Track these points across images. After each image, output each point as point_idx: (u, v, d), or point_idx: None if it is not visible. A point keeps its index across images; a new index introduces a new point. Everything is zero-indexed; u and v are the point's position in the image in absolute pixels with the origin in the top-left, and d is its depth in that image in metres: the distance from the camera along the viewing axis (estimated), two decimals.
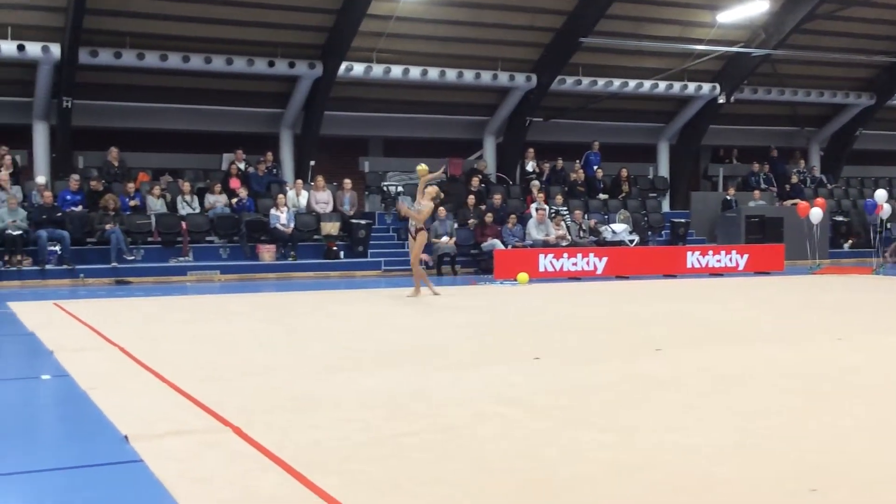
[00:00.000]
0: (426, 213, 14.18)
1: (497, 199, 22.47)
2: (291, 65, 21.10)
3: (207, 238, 19.96)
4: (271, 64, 20.94)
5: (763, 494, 3.81)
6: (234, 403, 5.64)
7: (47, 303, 13.31)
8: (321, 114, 22.36)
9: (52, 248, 17.79)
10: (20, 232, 17.60)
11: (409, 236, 14.69)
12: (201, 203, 20.41)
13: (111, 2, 19.12)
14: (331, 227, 20.67)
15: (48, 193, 18.59)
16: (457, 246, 20.79)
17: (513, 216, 21.48)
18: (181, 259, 19.23)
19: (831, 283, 16.91)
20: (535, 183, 23.61)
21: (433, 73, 22.44)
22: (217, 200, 20.42)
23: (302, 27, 21.15)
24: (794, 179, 27.25)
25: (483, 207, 22.08)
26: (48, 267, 17.71)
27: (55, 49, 18.90)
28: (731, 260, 20.54)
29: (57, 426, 5.66)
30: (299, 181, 21.65)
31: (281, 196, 20.31)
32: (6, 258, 17.45)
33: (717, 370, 6.92)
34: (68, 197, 18.99)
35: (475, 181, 23.26)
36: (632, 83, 24.40)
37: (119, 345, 8.36)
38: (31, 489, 4.10)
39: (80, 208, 18.87)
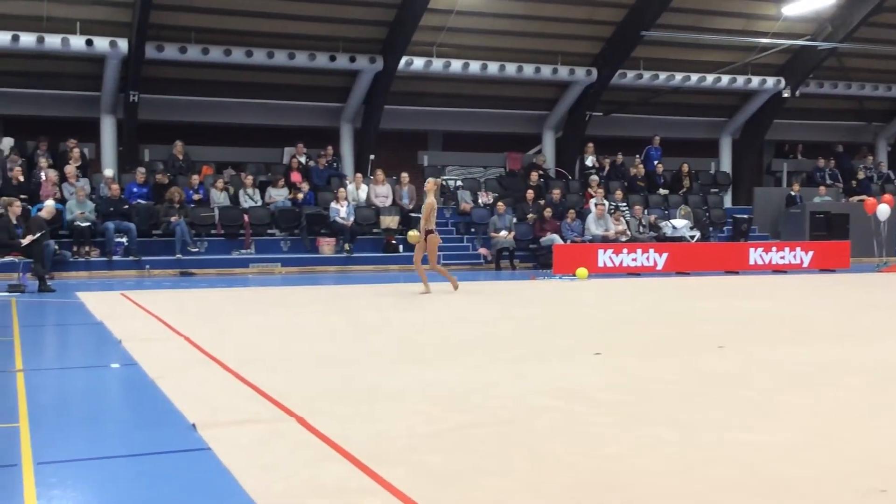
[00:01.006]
0: (429, 206, 13.73)
1: (556, 193, 22.38)
2: (352, 59, 21.24)
3: (269, 231, 20.21)
4: (333, 58, 21.11)
5: (831, 494, 3.76)
6: (298, 393, 5.72)
7: (114, 293, 13.61)
8: (381, 108, 22.48)
9: (118, 239, 18.17)
10: (88, 223, 18.00)
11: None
12: (263, 196, 20.67)
13: None
14: (390, 221, 20.79)
15: (115, 186, 18.98)
16: (515, 241, 20.76)
17: (572, 211, 21.38)
18: (243, 251, 19.51)
19: None
20: (594, 178, 23.46)
21: (493, 68, 22.42)
22: (278, 194, 20.67)
23: (363, 22, 21.28)
24: (861, 175, 26.70)
25: (542, 202, 22.01)
26: (115, 258, 18.10)
27: (122, 44, 19.28)
28: (795, 257, 20.20)
29: (126, 414, 5.78)
30: (359, 175, 21.80)
31: (341, 189, 20.47)
32: (75, 249, 17.86)
33: (782, 368, 6.83)
34: (135, 189, 19.38)
35: (534, 176, 23.19)
36: (694, 77, 24.10)
37: (185, 335, 8.52)
38: (102, 475, 4.19)
39: (146, 201, 19.24)
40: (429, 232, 13.66)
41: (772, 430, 4.80)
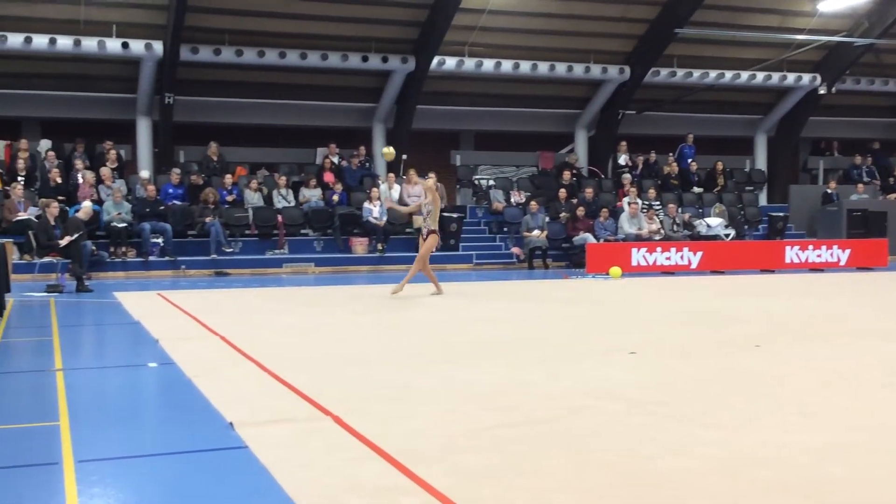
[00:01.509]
0: (436, 205, 13.51)
1: (589, 192, 22.29)
2: (384, 59, 21.30)
3: (302, 231, 20.32)
4: (365, 59, 21.17)
5: (875, 495, 3.71)
6: (334, 393, 5.74)
7: (151, 293, 13.74)
8: (413, 108, 22.52)
9: (154, 240, 18.36)
10: (125, 224, 18.20)
11: (420, 237, 13.92)
12: (296, 196, 20.78)
13: (211, 0, 19.60)
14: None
15: (151, 187, 19.17)
16: (548, 240, 20.71)
17: (605, 210, 21.29)
18: (277, 251, 19.63)
19: None
20: (627, 176, 23.35)
21: (525, 67, 22.37)
22: (311, 194, 20.77)
23: (395, 22, 21.33)
24: None
25: (575, 201, 21.94)
26: (151, 258, 18.29)
27: (158, 46, 19.47)
28: (832, 255, 19.97)
29: (164, 412, 5.83)
30: (391, 175, 21.84)
31: (374, 189, 20.53)
32: (112, 250, 18.07)
33: (821, 367, 6.75)
34: (170, 190, 19.56)
35: (567, 175, 23.12)
36: (728, 74, 23.90)
37: (221, 334, 8.57)
38: (141, 473, 4.23)
39: (181, 202, 19.41)
40: (431, 232, 13.45)
41: (812, 431, 4.74)
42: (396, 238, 20.60)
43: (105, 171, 19.29)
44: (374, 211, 20.18)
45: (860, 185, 24.82)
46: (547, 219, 21.20)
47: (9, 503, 3.77)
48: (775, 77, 24.41)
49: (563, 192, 22.24)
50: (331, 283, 16.68)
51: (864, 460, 4.18)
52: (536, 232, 20.59)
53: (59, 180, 18.78)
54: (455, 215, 21.13)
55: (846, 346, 7.94)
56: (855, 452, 4.31)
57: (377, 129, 23.29)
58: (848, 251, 20.04)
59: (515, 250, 21.01)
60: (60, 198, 17.77)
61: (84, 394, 6.10)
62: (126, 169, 20.78)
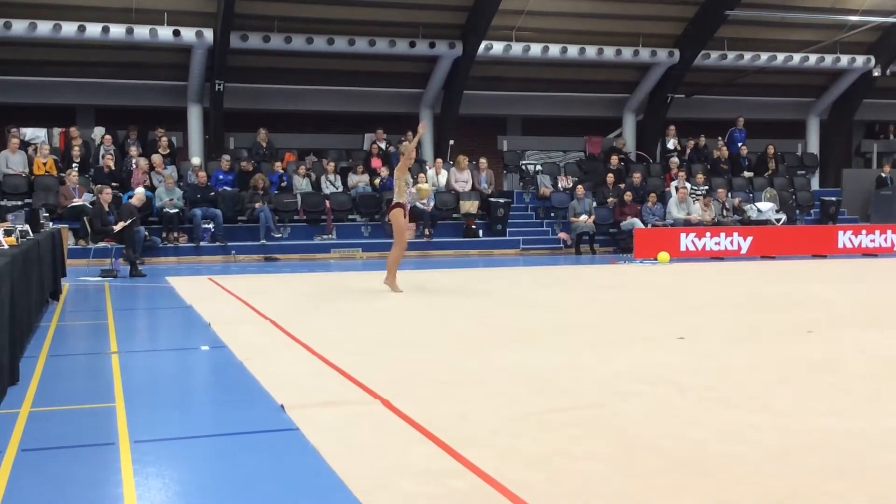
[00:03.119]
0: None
1: (637, 177, 22.11)
2: (432, 45, 21.27)
3: (350, 216, 20.42)
4: (412, 44, 21.17)
5: None
6: (383, 376, 5.79)
7: (202, 278, 13.94)
8: (460, 93, 22.48)
9: (205, 225, 18.58)
10: (176, 210, 18.44)
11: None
12: (344, 182, 20.89)
13: None
14: (470, 206, 20.79)
15: (202, 173, 19.38)
16: (595, 225, 20.59)
17: (653, 195, 21.10)
18: (325, 237, 19.76)
19: None
20: (675, 160, 23.11)
21: (573, 51, 22.20)
22: (359, 180, 20.86)
23: (442, 7, 21.28)
24: None
25: (622, 186, 21.77)
26: (202, 243, 18.50)
27: (208, 34, 19.65)
28: (885, 240, 19.61)
29: (217, 395, 5.94)
30: (439, 160, 21.85)
31: (421, 175, 20.56)
32: (164, 235, 18.33)
33: (874, 353, 6.66)
34: (220, 177, 19.78)
35: (614, 159, 22.94)
36: (780, 57, 23.50)
37: (271, 318, 8.68)
38: (194, 454, 4.33)
39: (231, 188, 19.62)
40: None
41: (866, 417, 4.69)
42: (444, 223, 20.62)
43: (157, 158, 19.55)
44: None
45: None
46: (594, 204, 21.08)
47: (67, 482, 3.87)
48: (828, 59, 23.94)
49: (610, 177, 22.08)
50: (378, 268, 16.72)
51: None
52: (584, 217, 20.48)
53: (112, 166, 19.08)
54: (502, 200, 21.09)
55: None
56: None
57: (424, 114, 23.28)
58: None
59: (562, 235, 20.93)
60: (114, 184, 18.04)
61: (138, 376, 6.22)
62: (178, 155, 21.02)
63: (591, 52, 22.27)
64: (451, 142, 22.77)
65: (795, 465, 3.87)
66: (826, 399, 5.14)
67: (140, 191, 16.37)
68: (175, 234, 18.38)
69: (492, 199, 21.03)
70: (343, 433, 4.48)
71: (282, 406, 5.02)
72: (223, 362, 6.68)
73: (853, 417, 4.68)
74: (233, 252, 18.52)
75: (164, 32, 19.47)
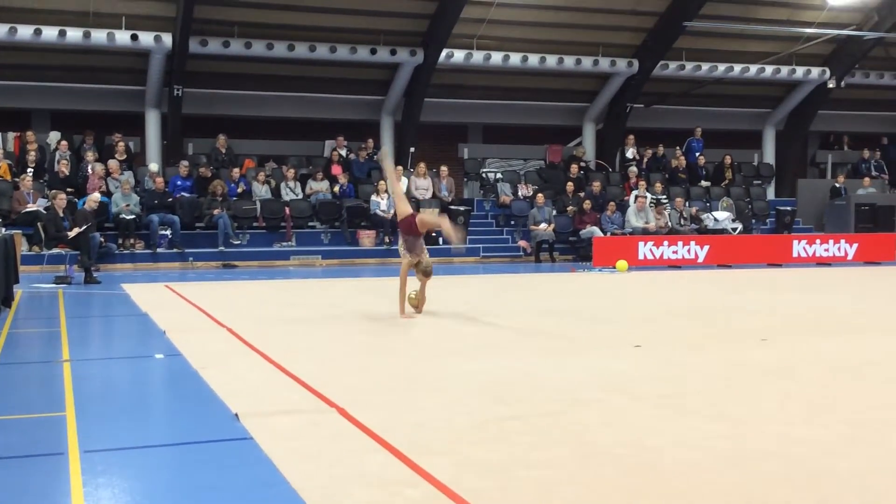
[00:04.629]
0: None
1: (596, 186, 22.26)
2: (393, 52, 21.27)
3: (310, 223, 20.33)
4: (373, 51, 21.14)
5: (881, 489, 3.71)
6: (340, 385, 5.76)
7: (159, 285, 13.78)
8: (421, 101, 22.50)
9: (163, 232, 18.39)
10: (133, 216, 18.23)
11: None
12: (304, 189, 20.80)
13: None
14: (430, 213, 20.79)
15: (160, 179, 19.19)
16: (555, 233, 20.69)
17: (612, 203, 21.25)
18: (284, 244, 19.65)
19: None
20: (633, 169, 23.31)
21: (533, 60, 22.31)
22: (319, 186, 20.78)
23: (404, 14, 21.28)
24: None
25: (582, 194, 21.90)
26: (159, 250, 18.31)
27: (167, 39, 19.47)
28: (839, 249, 19.92)
29: (170, 403, 5.87)
30: (399, 167, 21.80)
31: (381, 182, 20.53)
32: (120, 241, 18.11)
33: (827, 361, 6.75)
34: (178, 182, 19.59)
35: (574, 168, 23.09)
36: (737, 68, 23.81)
37: (228, 326, 8.60)
38: (146, 464, 4.26)
39: (189, 194, 19.44)
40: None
41: (818, 424, 4.74)
42: None
43: (113, 164, 19.32)
44: (381, 203, 20.18)
45: (867, 180, 24.72)
46: (554, 212, 21.18)
47: (15, 493, 3.79)
48: (784, 71, 24.30)
49: (570, 186, 22.20)
50: (338, 275, 16.69)
51: (869, 454, 4.18)
52: (543, 225, 20.57)
53: (67, 172, 18.81)
54: (462, 208, 21.12)
55: (852, 340, 7.93)
56: (860, 447, 4.32)
57: (385, 121, 23.27)
58: (855, 245, 19.99)
59: (522, 243, 21.00)
60: (69, 189, 17.80)
61: (91, 384, 6.12)
62: (135, 161, 20.79)
63: (551, 61, 22.40)
64: (412, 149, 22.76)
65: (748, 472, 3.91)
66: (778, 406, 5.19)
67: (94, 196, 16.17)
68: (131, 241, 18.18)
69: (452, 207, 21.04)
70: (297, 442, 4.44)
71: (236, 415, 4.96)
72: (178, 370, 6.60)
73: (805, 424, 4.74)
74: (190, 259, 18.34)
75: (122, 36, 19.27)
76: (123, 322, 9.98)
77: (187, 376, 6.27)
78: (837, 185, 24.51)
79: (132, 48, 19.61)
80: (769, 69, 24.08)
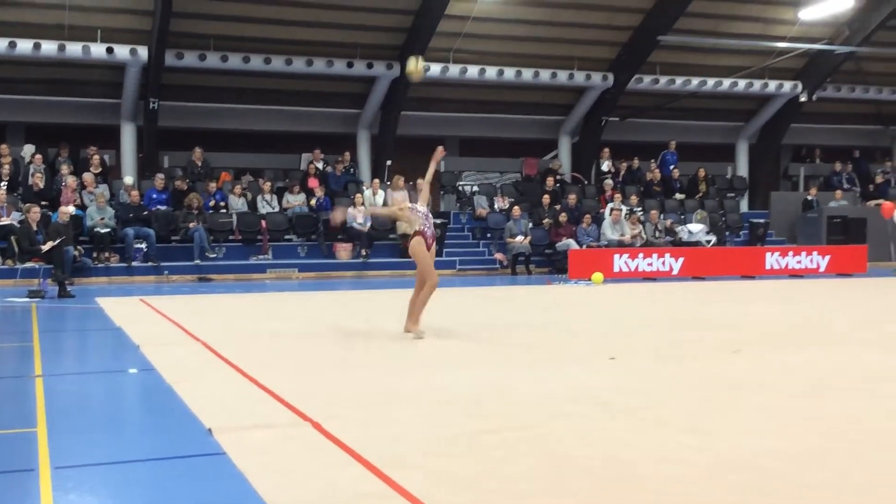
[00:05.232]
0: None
1: (572, 198, 22.36)
2: (370, 65, 21.31)
3: (286, 237, 20.29)
4: (350, 65, 21.17)
5: (852, 502, 3.75)
6: (315, 399, 5.75)
7: (133, 298, 13.70)
8: (398, 114, 22.55)
9: (138, 245, 18.28)
10: (108, 230, 18.13)
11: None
12: (280, 202, 20.77)
13: (196, 5, 19.56)
14: (406, 226, 20.76)
15: (135, 192, 19.10)
16: (531, 245, 20.75)
17: (588, 216, 21.35)
18: (261, 257, 19.60)
19: None
20: (609, 182, 23.45)
21: (509, 73, 22.43)
22: (296, 200, 20.76)
23: (380, 28, 21.34)
24: (879, 179, 26.53)
25: (558, 207, 21.99)
26: (134, 264, 18.20)
27: (143, 52, 19.41)
28: (811, 261, 20.10)
29: (143, 418, 5.83)
30: (376, 180, 21.84)
31: (358, 195, 20.54)
32: (95, 255, 17.99)
33: (798, 373, 6.81)
34: (154, 196, 19.50)
35: (550, 181, 23.18)
36: (710, 82, 24.02)
37: (203, 340, 8.57)
38: (118, 480, 4.23)
39: (165, 207, 19.36)
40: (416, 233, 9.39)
41: (790, 437, 4.78)
42: (381, 244, 20.60)
43: (88, 177, 19.20)
44: (358, 216, 20.18)
45: (839, 192, 24.97)
46: (530, 225, 21.25)
47: None
48: (757, 84, 24.55)
49: (546, 198, 22.29)
50: (314, 288, 16.66)
51: (841, 467, 4.22)
52: (519, 238, 20.63)
53: (41, 185, 18.68)
54: (438, 221, 21.10)
55: (825, 352, 8.00)
56: (833, 459, 4.36)
57: (362, 134, 23.29)
58: (827, 258, 20.17)
59: (499, 256, 21.05)
60: (44, 203, 17.68)
61: (63, 400, 6.08)
62: (110, 174, 20.69)
63: (527, 74, 22.52)
64: (389, 162, 22.78)
65: (721, 485, 3.94)
66: (752, 418, 5.23)
67: (65, 209, 16.05)
68: (106, 254, 18.07)
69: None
70: (271, 457, 4.43)
71: (209, 430, 4.95)
72: (151, 385, 6.57)
73: (777, 437, 4.78)
74: (165, 272, 18.26)
75: (98, 49, 19.20)
76: (97, 336, 9.91)
77: (161, 391, 6.24)
78: (809, 197, 24.75)
79: (108, 61, 19.53)
80: (742, 83, 24.32)
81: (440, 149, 10.28)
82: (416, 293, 9.16)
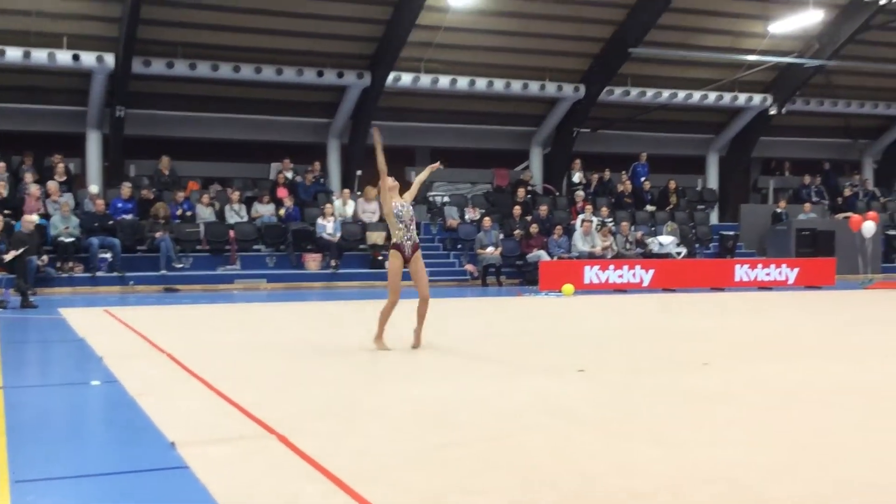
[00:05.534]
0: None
1: (543, 210, 22.39)
2: (340, 75, 21.23)
3: (255, 247, 20.14)
4: (320, 74, 21.09)
5: None
6: (280, 411, 5.65)
7: (98, 309, 13.50)
8: (368, 123, 22.44)
9: (103, 255, 18.06)
10: (72, 239, 17.89)
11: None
12: (249, 212, 20.61)
13: (164, 12, 19.42)
14: (376, 237, 20.72)
15: (100, 201, 18.88)
16: (502, 257, 20.73)
17: (559, 227, 21.38)
18: (229, 267, 19.42)
19: (883, 299, 16.57)
20: (580, 194, 23.51)
21: (481, 84, 22.44)
22: (265, 209, 20.61)
23: (351, 37, 21.29)
24: (847, 192, 26.81)
25: (529, 218, 22.00)
26: (99, 274, 17.98)
27: (109, 59, 19.22)
28: (780, 274, 20.24)
29: (105, 432, 5.71)
30: (346, 190, 21.75)
31: (328, 205, 20.43)
32: (58, 265, 17.74)
33: (767, 385, 6.80)
34: (120, 205, 19.28)
35: (521, 192, 23.20)
36: (681, 94, 24.19)
37: (167, 352, 8.43)
38: (77, 494, 4.13)
39: (131, 216, 19.14)
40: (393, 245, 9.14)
41: (757, 449, 4.76)
42: (350, 254, 20.50)
43: (52, 185, 18.96)
44: (327, 227, 20.06)
45: (808, 205, 25.20)
46: (501, 236, 21.24)
47: None
48: (727, 97, 24.75)
49: (517, 210, 22.31)
50: (283, 299, 16.53)
51: (810, 479, 4.20)
52: (490, 249, 20.61)
53: (4, 193, 18.41)
54: None
55: (793, 365, 8.01)
56: (801, 471, 4.33)
57: (332, 144, 23.20)
58: (796, 270, 20.33)
59: (469, 267, 21.01)
60: (7, 211, 17.43)
61: (24, 412, 5.94)
62: (75, 183, 20.45)
63: (498, 85, 22.56)
64: (359, 172, 22.70)
65: (687, 499, 3.89)
66: (719, 431, 5.20)
67: (28, 218, 15.83)
68: (70, 264, 17.83)
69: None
70: (235, 471, 4.33)
71: (172, 443, 4.84)
72: (114, 398, 6.44)
73: (743, 449, 4.75)
74: (131, 282, 18.04)
75: (63, 56, 19.00)
76: (60, 348, 9.74)
77: (123, 404, 6.12)
78: (779, 210, 24.96)
79: (73, 68, 19.33)
80: (712, 96, 24.51)
81: (438, 164, 10.52)
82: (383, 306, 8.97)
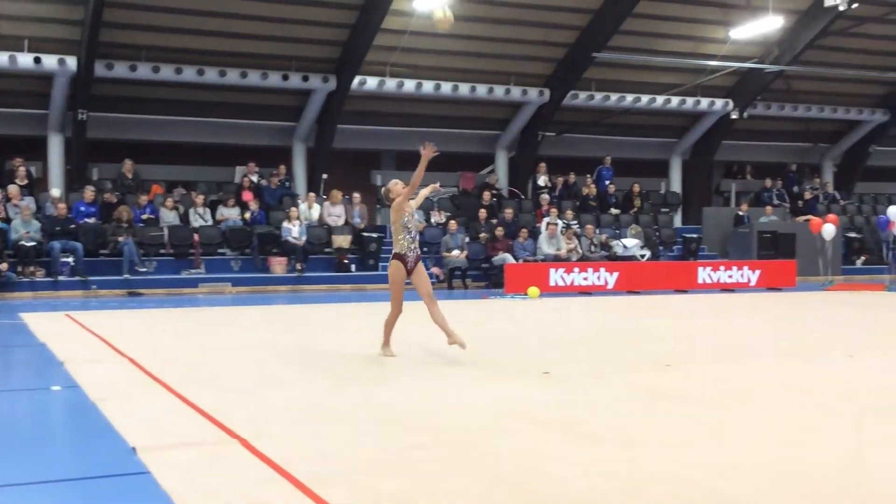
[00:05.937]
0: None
1: (508, 213, 22.46)
2: (305, 78, 21.17)
3: (219, 250, 20.00)
4: (285, 77, 21.02)
5: None
6: (244, 415, 5.64)
7: (59, 314, 13.35)
8: (334, 127, 22.42)
9: (65, 259, 17.85)
10: (34, 243, 17.67)
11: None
12: (214, 215, 20.48)
13: (127, 15, 19.25)
14: (342, 241, 20.68)
15: (62, 205, 18.67)
16: (468, 260, 20.77)
17: (524, 230, 21.45)
18: (193, 271, 19.27)
19: (843, 300, 16.81)
20: (546, 197, 23.61)
21: (446, 88, 22.48)
22: (230, 213, 20.49)
23: (316, 41, 21.23)
24: (808, 195, 27.15)
25: (494, 221, 22.06)
26: (61, 278, 17.76)
27: (71, 62, 19.02)
28: (742, 276, 20.46)
29: (66, 437, 5.66)
30: (312, 194, 21.68)
31: (293, 209, 20.36)
32: (19, 269, 17.51)
33: (728, 386, 6.88)
34: (82, 208, 19.08)
35: (487, 195, 23.26)
36: (644, 98, 24.38)
37: (130, 356, 8.37)
38: (40, 500, 4.10)
39: (93, 220, 18.95)
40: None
41: (717, 448, 4.82)
42: (316, 258, 20.43)
43: (13, 189, 18.71)
44: (293, 230, 19.99)
45: (769, 208, 25.49)
46: (467, 239, 21.28)
47: None
48: (689, 102, 24.98)
49: (483, 213, 22.36)
50: (248, 303, 16.45)
51: (765, 477, 4.26)
52: (456, 252, 20.63)
53: None
54: (375, 235, 21.07)
55: (753, 365, 8.11)
56: (757, 470, 4.39)
57: (297, 147, 23.12)
58: (758, 272, 20.56)
59: (435, 270, 21.00)
60: None
61: None
62: (36, 186, 20.20)
63: (464, 89, 22.61)
64: (325, 176, 22.64)
65: (647, 498, 3.94)
66: (680, 431, 5.26)
67: None
68: (31, 269, 17.60)
69: (364, 234, 20.98)
70: (197, 476, 4.31)
71: (133, 448, 4.81)
72: (75, 403, 6.38)
73: (703, 448, 4.81)
74: (93, 287, 17.85)
75: (25, 59, 18.78)
76: (20, 353, 9.63)
77: (84, 409, 6.06)
78: (741, 213, 25.23)
79: (35, 71, 19.11)
80: (675, 100, 24.73)
81: (438, 185, 10.49)
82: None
